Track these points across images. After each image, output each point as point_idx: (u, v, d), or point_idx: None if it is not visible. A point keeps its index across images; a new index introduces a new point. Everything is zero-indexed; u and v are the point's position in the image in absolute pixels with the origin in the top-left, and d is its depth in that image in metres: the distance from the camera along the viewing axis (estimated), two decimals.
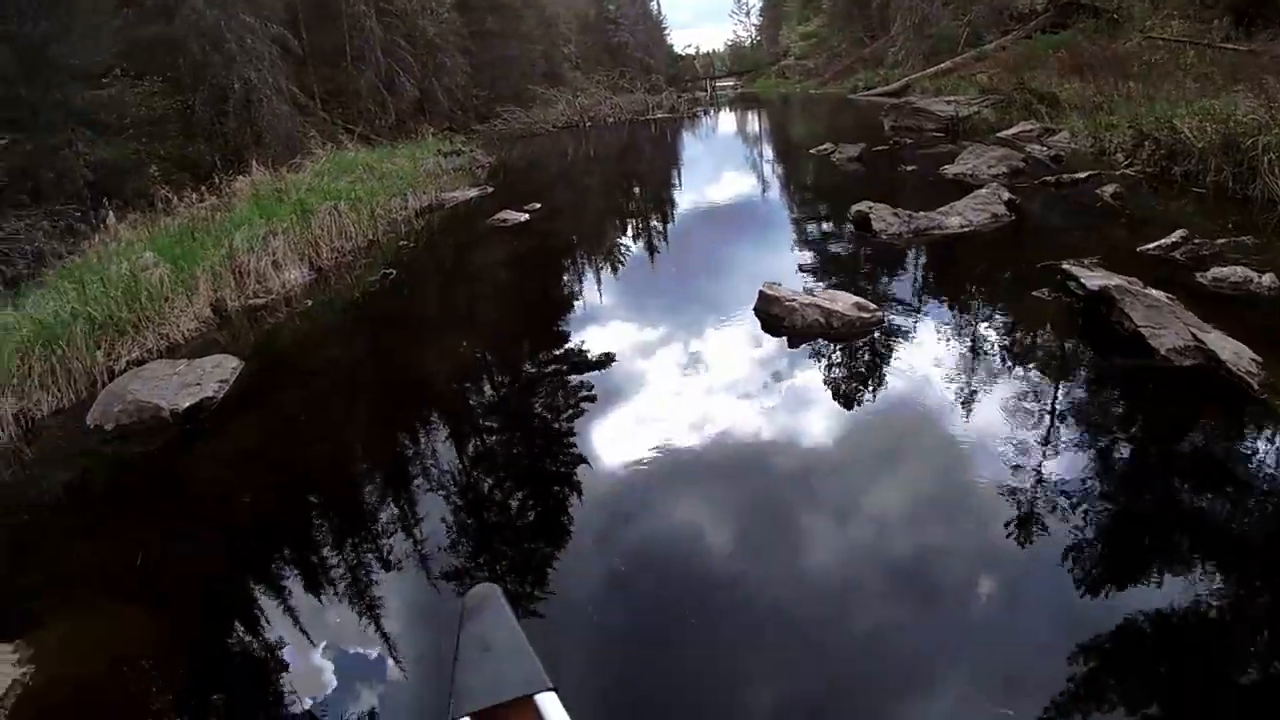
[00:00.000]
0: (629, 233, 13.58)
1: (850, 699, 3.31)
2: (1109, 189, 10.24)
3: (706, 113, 40.63)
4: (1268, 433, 4.66)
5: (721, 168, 20.45)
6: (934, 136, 18.57)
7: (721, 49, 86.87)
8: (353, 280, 11.46)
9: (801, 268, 9.31)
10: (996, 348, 6.39)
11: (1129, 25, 22.55)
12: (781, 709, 3.28)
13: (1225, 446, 4.65)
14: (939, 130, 18.99)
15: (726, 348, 7.10)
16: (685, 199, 16.13)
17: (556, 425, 6.16)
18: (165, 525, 5.42)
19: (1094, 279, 6.40)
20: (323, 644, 4.08)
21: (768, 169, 20.31)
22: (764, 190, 16.64)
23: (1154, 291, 6.06)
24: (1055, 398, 5.42)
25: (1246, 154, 9.35)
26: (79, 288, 8.87)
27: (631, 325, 8.37)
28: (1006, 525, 4.07)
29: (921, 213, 9.84)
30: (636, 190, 18.94)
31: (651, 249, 12.07)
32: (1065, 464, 4.59)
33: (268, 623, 4.28)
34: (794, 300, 7.17)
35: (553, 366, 7.34)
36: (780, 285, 7.67)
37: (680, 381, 6.51)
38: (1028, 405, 5.30)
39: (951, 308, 7.45)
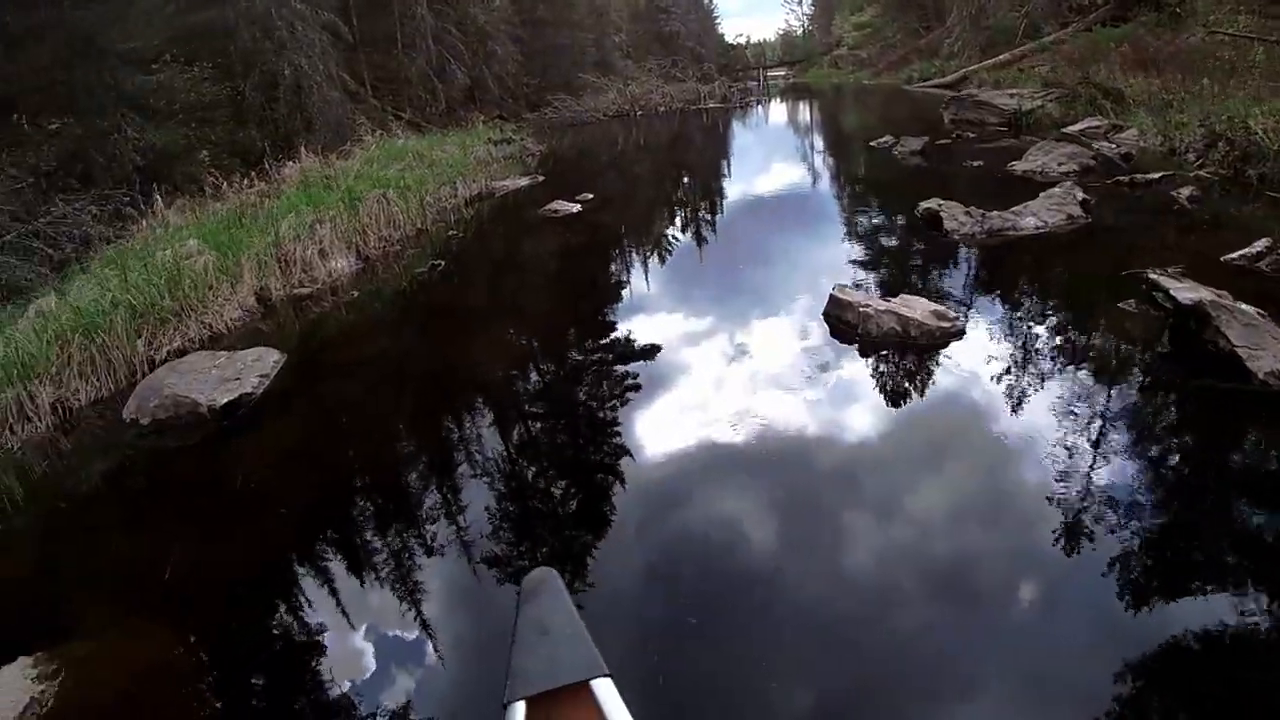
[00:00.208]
0: (685, 227, 13.10)
1: (887, 699, 3.24)
2: (1184, 191, 9.80)
3: (759, 102, 40.08)
4: None
5: (778, 159, 19.98)
6: (996, 130, 18.07)
7: (773, 38, 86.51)
8: (400, 270, 11.23)
9: (869, 268, 8.90)
10: (1083, 366, 5.91)
11: (1191, 19, 21.91)
12: (825, 701, 3.26)
13: None
14: (1001, 124, 18.47)
15: (796, 356, 6.60)
16: (742, 192, 15.71)
17: (610, 429, 5.86)
18: (198, 528, 5.20)
19: (1185, 291, 6.01)
20: (371, 646, 3.95)
21: (826, 161, 19.90)
22: (824, 183, 16.22)
23: (1246, 306, 5.65)
24: (1146, 424, 5.05)
25: None
26: (121, 275, 8.71)
27: (692, 329, 7.89)
28: (1095, 567, 3.74)
29: (995, 212, 9.38)
30: (691, 182, 18.51)
31: (709, 245, 11.68)
32: (1156, 497, 4.26)
33: (308, 630, 4.10)
34: (868, 306, 6.71)
35: (607, 367, 7.02)
36: (850, 288, 7.33)
37: (749, 393, 6.06)
38: (1117, 434, 4.88)
39: (1032, 318, 7.00)
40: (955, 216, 9.44)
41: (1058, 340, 6.44)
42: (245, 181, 14.58)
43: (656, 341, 7.43)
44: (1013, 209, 9.44)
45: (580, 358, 7.48)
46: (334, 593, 4.37)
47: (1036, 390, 5.55)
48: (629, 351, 7.29)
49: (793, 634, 3.57)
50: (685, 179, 19.00)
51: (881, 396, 5.77)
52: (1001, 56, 29.68)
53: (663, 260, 10.97)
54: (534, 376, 7.27)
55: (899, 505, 4.51)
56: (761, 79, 59.30)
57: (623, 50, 46.54)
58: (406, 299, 10.03)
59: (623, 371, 6.83)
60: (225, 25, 19.87)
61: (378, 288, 10.55)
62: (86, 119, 15.27)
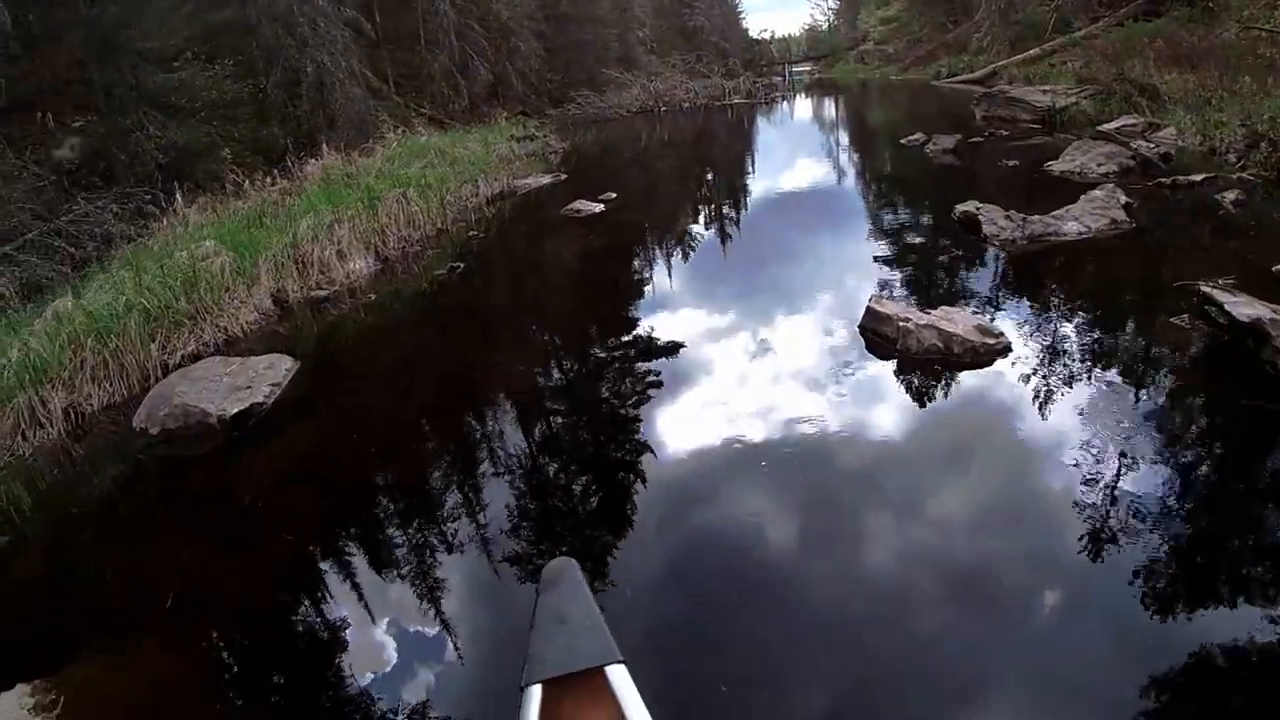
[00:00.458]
0: (711, 230, 12.77)
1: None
2: (1229, 195, 9.42)
3: (784, 98, 39.78)
4: None
5: (806, 158, 19.62)
6: (1029, 128, 17.64)
7: (798, 33, 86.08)
8: (420, 271, 11.05)
9: (905, 275, 8.54)
10: (1135, 389, 5.52)
11: (1225, 14, 21.53)
12: (836, 697, 3.31)
13: None
14: (1035, 121, 18.04)
15: (831, 373, 6.22)
16: (769, 193, 15.36)
17: (632, 444, 5.63)
18: (203, 545, 5.04)
19: (1241, 307, 5.67)
20: (388, 648, 3.95)
21: (856, 160, 19.46)
22: (853, 182, 15.86)
23: None
24: (1204, 454, 4.74)
25: None
26: (135, 276, 8.56)
27: (719, 340, 7.52)
28: (1153, 604, 3.50)
29: (1035, 216, 9.01)
30: (716, 182, 18.17)
31: (736, 248, 11.38)
32: (1215, 529, 4.01)
33: (321, 644, 4.02)
34: (908, 319, 6.31)
35: (628, 377, 6.78)
36: (886, 298, 7.00)
37: (782, 411, 5.71)
38: (1172, 463, 4.55)
39: (1080, 335, 6.55)
40: (994, 221, 9.08)
41: (1108, 360, 6.03)
42: (268, 179, 14.49)
43: (682, 352, 7.16)
44: (1054, 213, 9.07)
45: (600, 367, 7.24)
46: (345, 608, 4.24)
47: (1087, 415, 5.17)
48: (652, 359, 7.04)
49: (811, 648, 3.52)
50: (711, 177, 18.68)
51: (922, 420, 5.45)
52: (1031, 51, 29.26)
53: (688, 264, 10.69)
54: (552, 386, 7.05)
55: (940, 537, 4.24)
56: (787, 74, 58.96)
57: (646, 45, 46.25)
58: (425, 301, 9.85)
59: (645, 381, 6.59)
60: (246, 22, 19.89)
61: (396, 290, 10.37)
62: (108, 117, 15.24)
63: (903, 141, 17.43)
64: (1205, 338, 5.90)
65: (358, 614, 4.18)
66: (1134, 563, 3.71)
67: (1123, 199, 9.24)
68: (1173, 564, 3.69)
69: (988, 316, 6.69)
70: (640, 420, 5.93)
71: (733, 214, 14.00)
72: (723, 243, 11.81)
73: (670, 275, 10.19)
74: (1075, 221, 8.83)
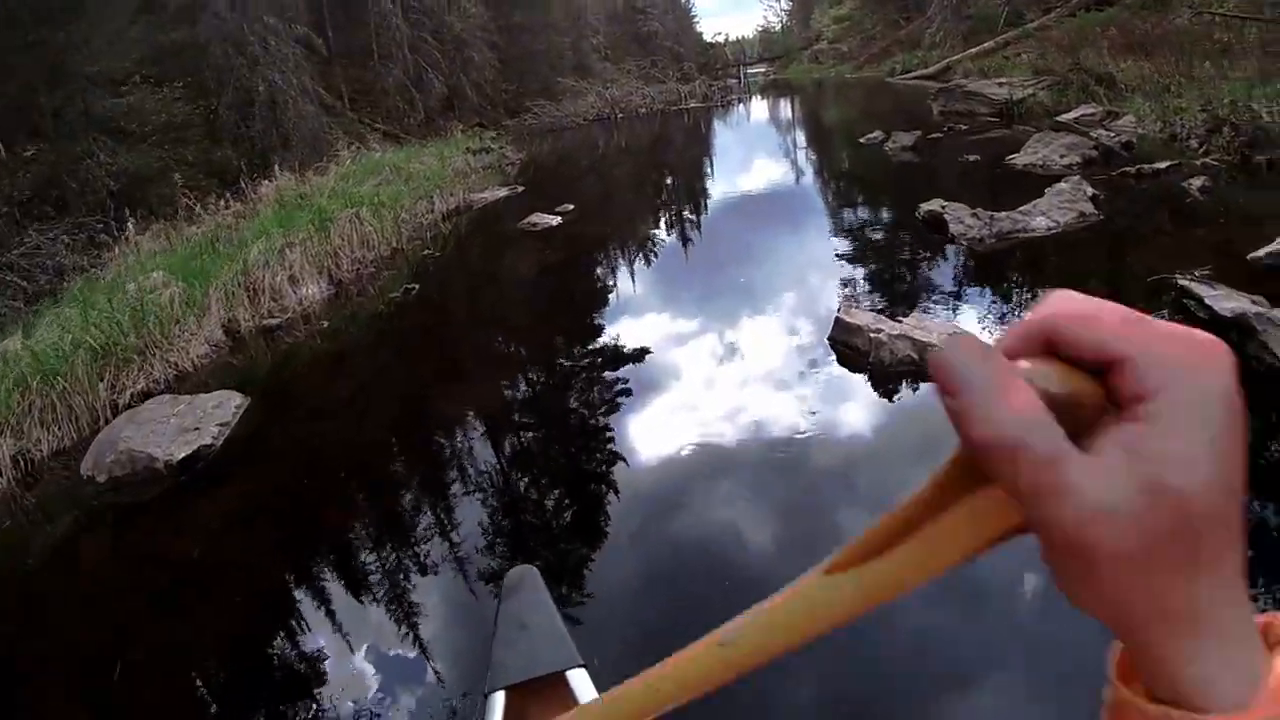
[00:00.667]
0: (671, 239, 12.57)
1: None
2: (1196, 182, 9.38)
3: (740, 101, 39.82)
4: None
5: (765, 161, 19.62)
6: (988, 121, 17.67)
7: (751, 35, 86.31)
8: (376, 292, 10.74)
9: (872, 281, 8.37)
10: None
11: (1177, 1, 21.72)
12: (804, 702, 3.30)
13: None
14: (992, 115, 18.08)
15: (801, 392, 5.91)
16: (729, 198, 15.17)
17: (592, 478, 5.41)
18: (148, 606, 4.74)
19: (1221, 300, 5.59)
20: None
21: (815, 161, 19.32)
22: (814, 185, 15.70)
23: (1279, 311, 5.26)
24: None
25: None
26: (82, 313, 8.28)
27: (683, 360, 7.24)
28: None
29: (1003, 213, 8.86)
30: (674, 188, 17.98)
31: (697, 259, 11.19)
32: None
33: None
34: (880, 330, 6.02)
35: (587, 404, 6.54)
36: (855, 307, 6.76)
37: (752, 436, 5.47)
38: None
39: None
40: (961, 219, 8.89)
41: None
42: (221, 202, 14.21)
43: (643, 372, 6.92)
44: (1021, 209, 8.95)
45: (554, 391, 7.03)
46: (302, 665, 4.05)
47: None
48: (611, 380, 6.82)
49: None
50: (669, 185, 18.47)
51: (901, 439, 5.23)
52: (985, 45, 29.42)
53: (648, 277, 10.48)
54: (509, 410, 6.82)
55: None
56: (742, 77, 59.03)
57: (600, 52, 46.13)
58: (379, 326, 9.59)
59: (606, 405, 6.37)
60: (197, 43, 19.55)
61: (350, 314, 10.08)
62: (59, 144, 14.95)
63: (861, 140, 17.35)
64: None
65: (315, 672, 4.01)
66: None
67: (1089, 191, 9.16)
68: None
69: (962, 321, 6.56)
70: (599, 453, 5.72)
71: (693, 222, 13.82)
72: (683, 252, 11.66)
73: (630, 290, 9.99)
74: (1043, 216, 8.71)
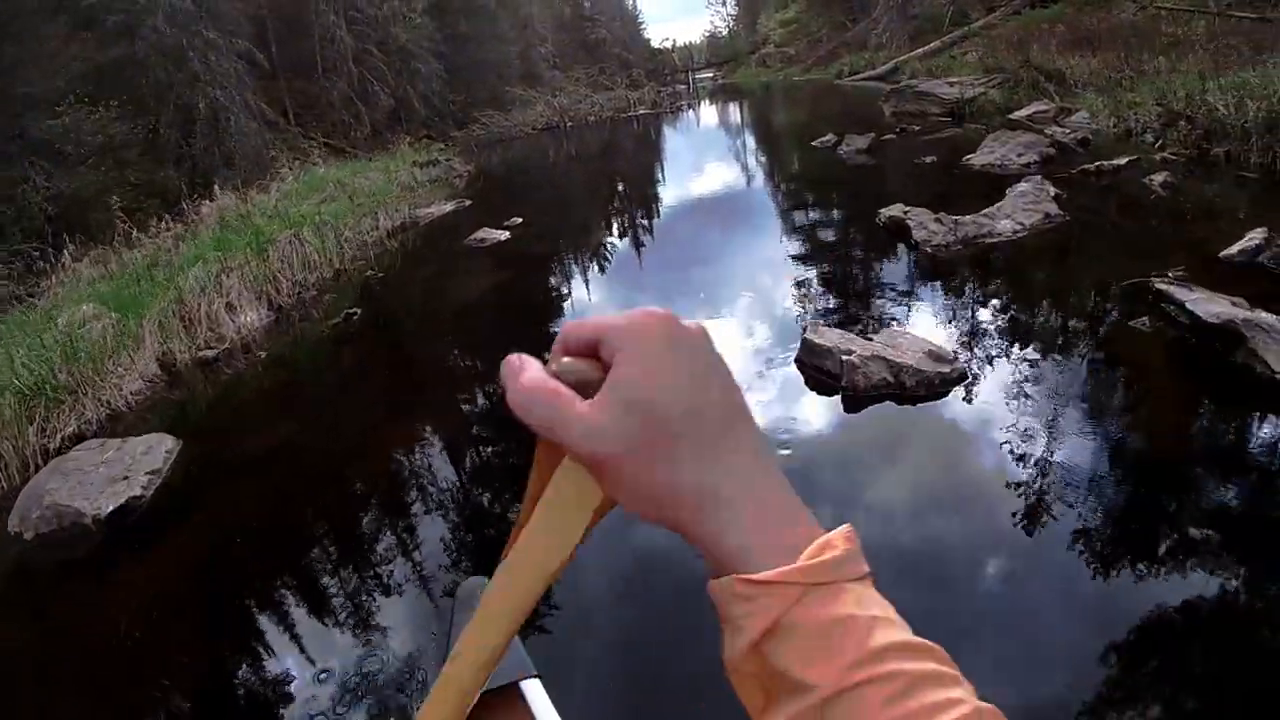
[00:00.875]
0: (623, 253, 12.07)
1: None
2: (1157, 178, 9.28)
3: (690, 106, 39.70)
4: None
5: (717, 168, 19.22)
6: (940, 121, 17.59)
7: (699, 40, 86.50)
8: (320, 316, 10.26)
9: (836, 295, 7.95)
10: (1109, 411, 5.05)
11: None
12: None
13: None
14: (944, 114, 18.01)
15: (771, 429, 5.30)
16: (682, 208, 14.72)
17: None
18: (76, 687, 4.30)
19: (1202, 303, 5.39)
20: None
21: (768, 167, 18.93)
22: (769, 193, 15.31)
23: (1266, 315, 5.06)
24: (1196, 483, 4.18)
25: None
26: (6, 352, 7.83)
27: None
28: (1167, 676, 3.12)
29: (968, 217, 8.62)
30: (626, 198, 17.59)
31: (651, 274, 10.74)
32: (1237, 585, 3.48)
33: None
34: (851, 351, 5.56)
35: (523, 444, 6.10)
36: (822, 324, 6.33)
37: None
38: (1169, 503, 4.05)
39: (1038, 349, 5.98)
40: (924, 225, 8.63)
41: (1075, 378, 5.50)
42: (162, 224, 13.79)
43: None
44: (984, 212, 8.74)
45: (503, 425, 6.44)
46: None
47: (1064, 447, 4.60)
48: None
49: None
50: (620, 196, 18.04)
51: (884, 475, 4.87)
52: (931, 45, 29.63)
53: (601, 296, 9.97)
54: (456, 449, 6.30)
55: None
56: (690, 82, 59.14)
57: (549, 61, 45.98)
58: (320, 356, 9.15)
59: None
60: (135, 59, 19.10)
61: (292, 342, 9.62)
62: None
63: (814, 144, 17.03)
64: (1170, 343, 5.54)
65: None
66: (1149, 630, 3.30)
67: (1051, 191, 9.01)
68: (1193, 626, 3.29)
69: (935, 337, 6.14)
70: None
71: (646, 233, 13.39)
72: (637, 266, 11.24)
73: (582, 309, 9.39)
74: (1008, 219, 8.51)
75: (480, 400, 7.12)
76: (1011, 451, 4.64)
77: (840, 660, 0.46)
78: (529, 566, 0.56)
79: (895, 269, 8.46)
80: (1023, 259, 8.03)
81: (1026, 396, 5.25)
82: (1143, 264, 6.56)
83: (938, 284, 7.76)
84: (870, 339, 5.91)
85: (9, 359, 7.66)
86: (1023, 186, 9.14)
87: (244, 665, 4.18)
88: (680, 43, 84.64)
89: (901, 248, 8.72)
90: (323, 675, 3.89)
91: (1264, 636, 3.16)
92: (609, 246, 12.52)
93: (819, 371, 5.85)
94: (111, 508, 5.71)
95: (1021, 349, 6.02)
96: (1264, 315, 5.09)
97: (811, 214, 12.29)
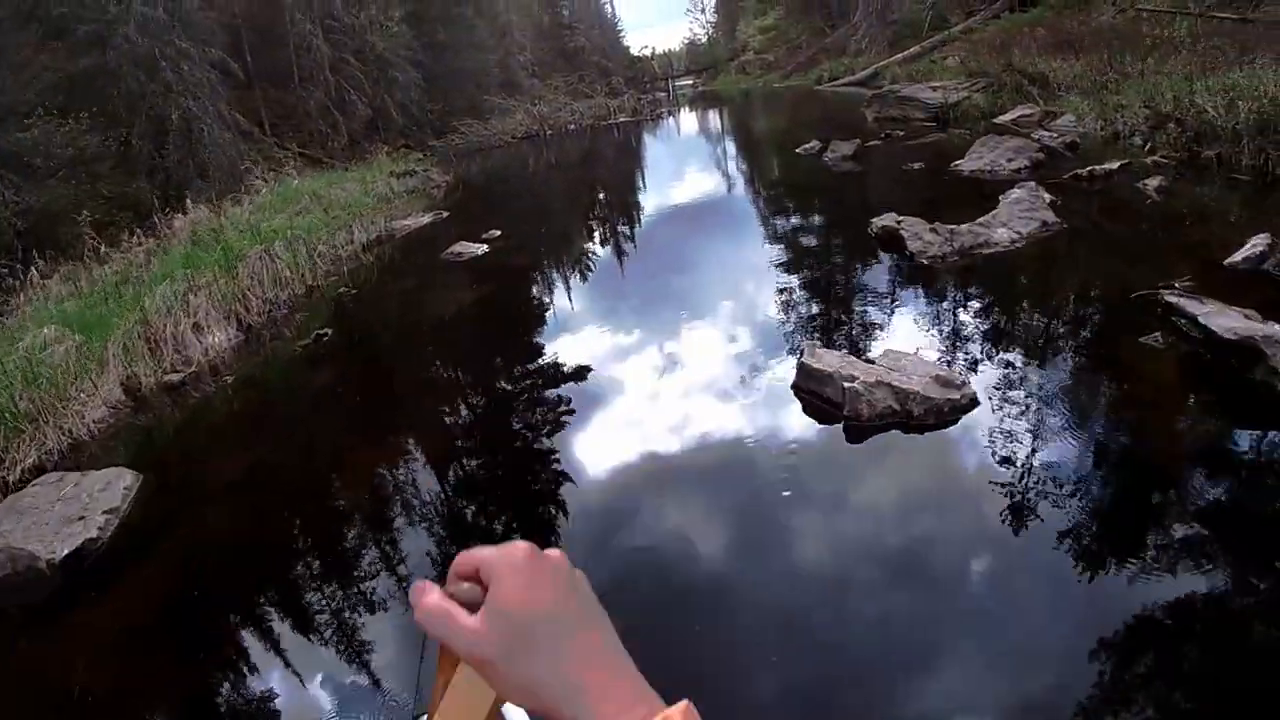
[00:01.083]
0: (604, 269, 11.55)
1: None
2: (1151, 182, 9.14)
3: (670, 114, 39.58)
4: None
5: (701, 178, 18.96)
6: (924, 126, 17.50)
7: (678, 48, 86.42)
8: (291, 334, 9.85)
9: (831, 312, 7.58)
10: (1130, 437, 4.73)
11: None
12: None
13: None
14: (928, 119, 17.92)
15: (769, 468, 4.89)
16: (666, 220, 14.22)
17: None
18: None
19: (1214, 316, 5.17)
20: None
21: (754, 177, 18.58)
22: (756, 204, 14.77)
23: None
24: (1237, 520, 3.83)
25: None
26: None
27: (617, 429, 6.11)
28: None
29: (963, 226, 8.34)
30: (607, 209, 17.18)
31: (634, 291, 10.14)
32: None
33: None
34: (853, 377, 5.15)
35: (516, 485, 5.63)
36: (819, 346, 5.90)
37: (706, 535, 4.48)
38: (1202, 548, 3.64)
39: (1048, 369, 5.67)
40: (919, 235, 8.31)
41: (1091, 402, 5.21)
42: (134, 239, 13.46)
43: (570, 440, 5.94)
44: (980, 220, 8.49)
45: (475, 472, 6.09)
46: None
47: (1087, 482, 4.26)
48: (537, 457, 5.90)
49: None
50: (602, 206, 17.67)
51: (893, 516, 4.39)
52: (911, 50, 29.64)
53: (582, 318, 9.30)
54: (427, 476, 5.94)
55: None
56: (670, 89, 59.05)
57: (528, 69, 45.78)
58: (291, 379, 8.76)
59: (529, 485, 5.54)
60: (107, 70, 18.77)
61: (261, 364, 9.26)
62: None
63: (799, 151, 16.81)
64: (1185, 359, 5.26)
65: None
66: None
67: (1046, 197, 8.82)
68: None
69: (940, 358, 5.83)
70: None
71: (629, 247, 12.93)
72: (620, 282, 10.74)
73: (561, 331, 8.78)
74: (1004, 228, 8.27)
75: (454, 425, 6.85)
76: (1032, 487, 4.30)
77: None
78: None
79: (890, 282, 8.10)
80: (1023, 270, 7.77)
81: (1041, 424, 4.92)
82: (1146, 273, 6.37)
83: (936, 299, 7.45)
84: (872, 362, 5.54)
85: None
86: (1017, 193, 8.94)
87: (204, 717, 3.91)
88: (659, 50, 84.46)
89: (896, 259, 8.43)
90: None
91: None
92: (591, 262, 12.10)
93: (818, 398, 5.48)
94: (66, 551, 5.34)
95: (1031, 370, 5.70)
96: (1264, 322, 4.89)
97: (799, 224, 12.00)
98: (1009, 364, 5.82)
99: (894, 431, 4.98)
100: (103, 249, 12.56)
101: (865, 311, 7.46)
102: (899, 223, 8.65)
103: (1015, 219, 8.38)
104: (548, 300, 10.42)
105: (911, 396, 5.02)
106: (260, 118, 26.00)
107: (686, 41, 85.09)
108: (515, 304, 10.44)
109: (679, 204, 15.54)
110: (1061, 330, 6.42)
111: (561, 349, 7.97)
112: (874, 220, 9.11)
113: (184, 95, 19.33)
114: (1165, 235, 7.85)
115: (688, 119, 38.08)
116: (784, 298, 8.22)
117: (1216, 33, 14.84)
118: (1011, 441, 4.71)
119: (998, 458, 4.57)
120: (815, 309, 7.82)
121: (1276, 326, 4.91)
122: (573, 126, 36.05)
